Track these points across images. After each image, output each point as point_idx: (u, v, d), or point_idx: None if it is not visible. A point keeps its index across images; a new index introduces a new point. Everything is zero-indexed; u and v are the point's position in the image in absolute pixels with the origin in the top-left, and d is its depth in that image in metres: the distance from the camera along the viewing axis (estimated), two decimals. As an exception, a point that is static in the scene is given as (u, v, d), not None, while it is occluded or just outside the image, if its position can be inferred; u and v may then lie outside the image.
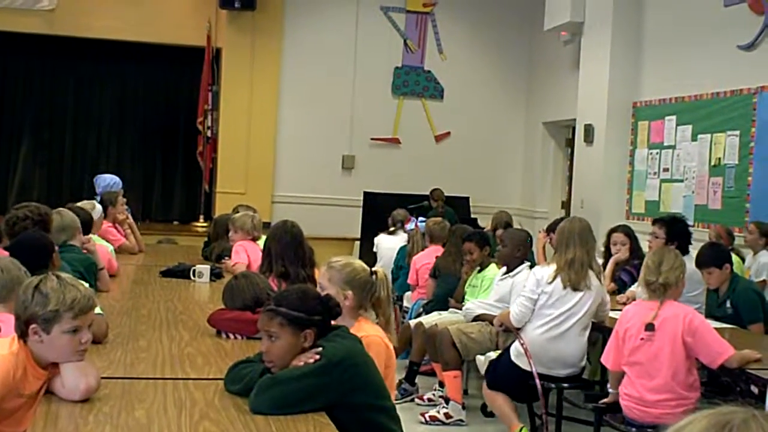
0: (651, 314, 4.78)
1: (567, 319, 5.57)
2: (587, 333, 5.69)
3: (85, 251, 5.80)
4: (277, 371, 3.20)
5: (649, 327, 4.73)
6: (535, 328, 5.64)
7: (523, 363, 5.66)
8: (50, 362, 3.08)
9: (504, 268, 6.65)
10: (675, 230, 6.62)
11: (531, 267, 6.60)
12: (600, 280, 5.69)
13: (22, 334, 3.04)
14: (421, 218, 9.68)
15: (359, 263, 4.09)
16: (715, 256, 6.10)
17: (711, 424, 1.24)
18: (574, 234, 5.63)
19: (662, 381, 4.69)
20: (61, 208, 5.88)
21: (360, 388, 3.25)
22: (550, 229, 7.68)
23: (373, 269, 4.09)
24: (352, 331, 3.50)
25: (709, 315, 6.01)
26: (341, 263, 3.98)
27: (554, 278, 5.57)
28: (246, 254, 6.84)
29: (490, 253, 7.24)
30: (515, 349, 5.72)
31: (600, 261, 7.35)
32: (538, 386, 5.70)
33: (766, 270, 7.60)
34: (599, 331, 6.08)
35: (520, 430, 5.90)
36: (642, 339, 4.78)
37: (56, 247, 4.81)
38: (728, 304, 6.00)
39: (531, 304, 5.67)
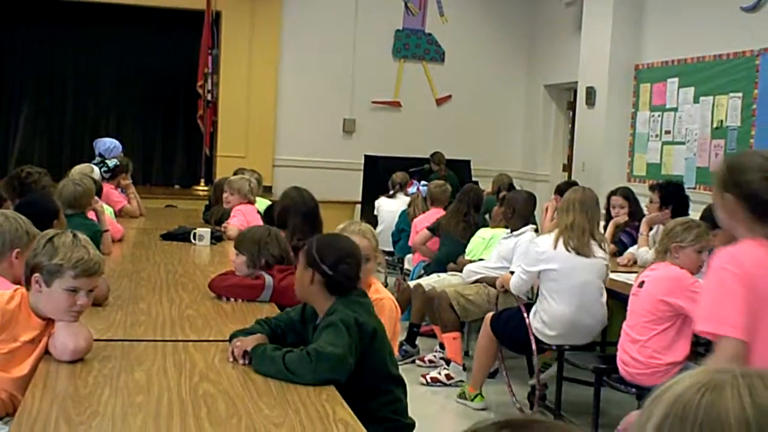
0: (645, 273, 4.83)
1: (582, 289, 5.55)
2: (603, 299, 5.69)
3: (92, 212, 5.84)
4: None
5: (641, 284, 4.77)
6: (556, 306, 5.60)
7: (537, 333, 5.66)
8: (47, 317, 3.12)
9: (508, 230, 6.68)
10: (668, 194, 6.63)
11: (536, 230, 6.64)
12: (605, 250, 5.66)
13: (27, 280, 3.12)
14: (423, 182, 9.66)
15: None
16: None
17: (692, 383, 1.22)
18: (576, 201, 5.62)
19: (640, 339, 4.71)
20: (67, 181, 5.87)
21: (371, 354, 3.29)
22: (559, 191, 7.70)
23: None
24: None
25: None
26: (371, 232, 4.10)
27: (556, 242, 5.54)
28: (244, 217, 6.83)
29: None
30: (534, 320, 5.69)
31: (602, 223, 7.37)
32: (535, 360, 5.75)
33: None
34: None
35: (477, 396, 6.00)
36: (633, 295, 4.84)
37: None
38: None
39: (529, 278, 5.68)
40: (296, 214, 5.43)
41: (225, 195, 7.29)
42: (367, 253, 3.87)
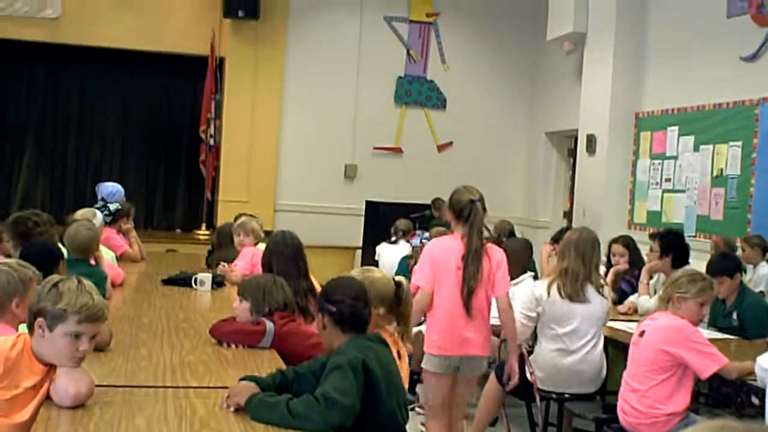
0: (646, 323, 4.83)
1: (575, 336, 5.53)
2: (600, 346, 5.66)
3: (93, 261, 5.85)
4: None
5: (642, 333, 4.77)
6: (547, 350, 5.61)
7: (539, 381, 5.65)
8: (48, 362, 3.12)
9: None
10: (668, 243, 6.64)
11: (535, 277, 6.62)
12: (602, 294, 5.63)
13: (29, 325, 3.11)
14: (426, 234, 9.61)
15: (385, 276, 4.13)
16: (727, 265, 6.06)
17: None
18: (571, 244, 5.62)
19: (640, 389, 4.70)
20: (79, 226, 5.86)
21: (379, 403, 3.28)
22: (555, 240, 7.70)
23: (397, 280, 4.15)
24: None
25: (713, 325, 5.99)
26: (370, 278, 4.03)
27: (549, 288, 5.55)
28: (250, 260, 6.84)
29: None
30: (535, 367, 5.68)
31: (603, 270, 7.36)
32: (538, 402, 5.72)
33: (764, 281, 7.57)
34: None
35: None
36: (633, 344, 4.84)
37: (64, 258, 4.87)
38: (734, 316, 5.97)
39: (529, 322, 5.64)
40: (280, 256, 5.45)
41: (239, 238, 7.33)
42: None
